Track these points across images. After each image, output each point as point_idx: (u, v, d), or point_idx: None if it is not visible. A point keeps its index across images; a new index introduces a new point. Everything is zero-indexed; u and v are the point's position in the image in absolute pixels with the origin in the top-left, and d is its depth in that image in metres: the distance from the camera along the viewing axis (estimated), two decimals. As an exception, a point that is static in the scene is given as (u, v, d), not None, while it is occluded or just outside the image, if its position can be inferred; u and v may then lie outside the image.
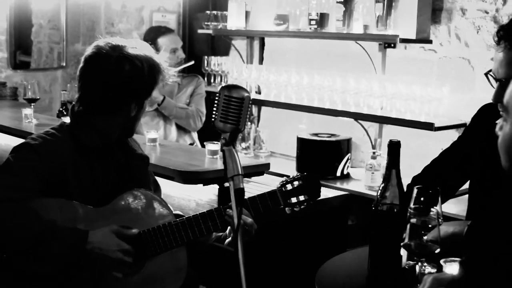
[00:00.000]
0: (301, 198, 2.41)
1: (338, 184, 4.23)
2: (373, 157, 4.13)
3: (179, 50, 4.68)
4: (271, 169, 4.64)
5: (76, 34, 6.84)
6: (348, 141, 4.43)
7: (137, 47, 2.29)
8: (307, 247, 3.36)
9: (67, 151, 2.23)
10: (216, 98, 1.86)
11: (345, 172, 4.39)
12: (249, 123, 5.31)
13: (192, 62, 4.93)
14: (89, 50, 2.28)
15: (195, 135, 4.77)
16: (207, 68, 5.32)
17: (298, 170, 4.47)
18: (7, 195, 2.07)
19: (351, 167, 4.47)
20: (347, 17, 4.25)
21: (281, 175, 4.39)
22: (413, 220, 1.89)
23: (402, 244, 1.91)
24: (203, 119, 4.68)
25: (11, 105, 5.40)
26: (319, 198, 3.51)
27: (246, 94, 1.85)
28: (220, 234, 2.46)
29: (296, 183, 2.41)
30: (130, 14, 6.49)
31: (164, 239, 2.25)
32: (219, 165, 3.12)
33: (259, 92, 4.99)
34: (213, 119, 1.86)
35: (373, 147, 4.42)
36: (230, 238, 2.38)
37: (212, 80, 5.34)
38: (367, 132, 4.49)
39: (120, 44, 2.27)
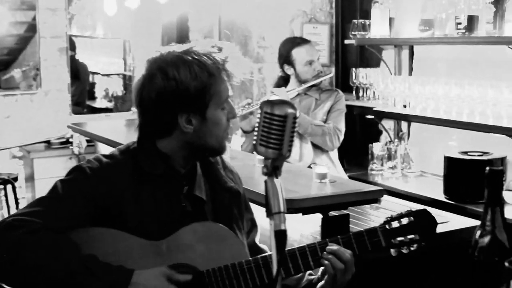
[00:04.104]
0: (410, 237, 1.99)
1: (489, 210, 3.69)
2: (530, 180, 3.56)
3: (316, 62, 4.33)
4: (417, 192, 4.23)
5: (230, 49, 6.74)
6: (502, 160, 3.88)
7: (181, 52, 1.98)
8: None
9: (125, 176, 1.97)
10: (258, 115, 1.52)
11: (499, 196, 3.83)
12: (396, 140, 4.89)
13: (331, 75, 4.60)
14: None
15: (334, 154, 4.39)
16: (355, 81, 4.97)
17: (445, 192, 3.98)
18: (46, 223, 1.85)
19: (506, 189, 3.89)
20: (498, 18, 3.72)
21: (424, 199, 3.95)
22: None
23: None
24: (341, 137, 4.29)
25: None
26: (456, 228, 3.11)
27: (289, 111, 1.49)
28: (313, 277, 2.11)
29: (404, 220, 2.00)
30: (281, 27, 6.27)
31: (231, 281, 1.92)
32: (325, 191, 2.74)
33: (406, 106, 4.55)
34: (254, 142, 1.52)
35: (532, 167, 3.83)
36: (323, 282, 2.02)
37: (360, 94, 4.99)
38: (524, 150, 3.91)
39: (158, 56, 2.00)
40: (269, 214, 1.45)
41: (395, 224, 1.99)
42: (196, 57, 1.95)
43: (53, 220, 1.87)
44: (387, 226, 1.98)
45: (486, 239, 1.54)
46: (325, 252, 1.94)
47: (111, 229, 1.92)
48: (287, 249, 1.88)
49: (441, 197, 3.98)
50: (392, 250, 2.00)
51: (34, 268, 1.81)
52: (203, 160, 2.12)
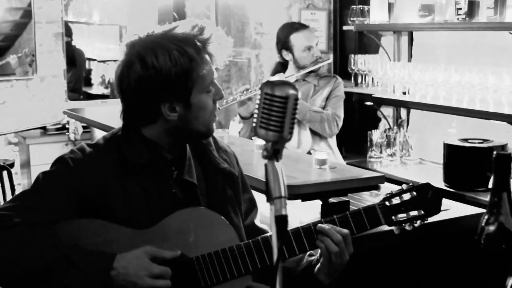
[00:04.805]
0: (413, 213, 1.95)
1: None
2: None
3: (314, 47, 4.27)
4: (416, 179, 4.16)
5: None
6: (503, 147, 3.83)
7: (157, 37, 1.90)
8: (430, 281, 2.81)
9: (109, 167, 1.90)
10: (258, 97, 1.45)
11: (499, 184, 3.78)
12: (395, 127, 4.84)
13: (330, 60, 4.54)
14: None
15: (333, 141, 4.35)
16: (353, 68, 4.91)
17: (445, 180, 3.93)
18: (27, 216, 1.80)
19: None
20: (499, 4, 3.66)
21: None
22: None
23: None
24: (340, 124, 4.24)
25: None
26: (457, 216, 3.07)
27: (291, 92, 1.43)
28: (312, 258, 2.05)
29: (406, 195, 1.95)
30: (279, 13, 6.21)
31: (222, 267, 1.88)
32: (325, 178, 2.70)
33: (405, 93, 4.50)
34: (253, 124, 1.45)
35: (534, 155, 3.78)
36: (319, 265, 1.98)
37: (359, 81, 4.94)
38: (525, 137, 3.87)
39: (136, 40, 1.92)
40: (270, 199, 1.39)
41: (395, 200, 1.94)
42: (175, 41, 1.87)
43: (35, 215, 1.82)
44: (387, 203, 1.94)
45: (493, 226, 1.50)
46: (319, 235, 1.91)
47: (98, 220, 1.88)
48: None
49: (441, 184, 3.92)
50: (394, 228, 1.96)
51: (11, 263, 1.76)
52: (193, 143, 2.06)
